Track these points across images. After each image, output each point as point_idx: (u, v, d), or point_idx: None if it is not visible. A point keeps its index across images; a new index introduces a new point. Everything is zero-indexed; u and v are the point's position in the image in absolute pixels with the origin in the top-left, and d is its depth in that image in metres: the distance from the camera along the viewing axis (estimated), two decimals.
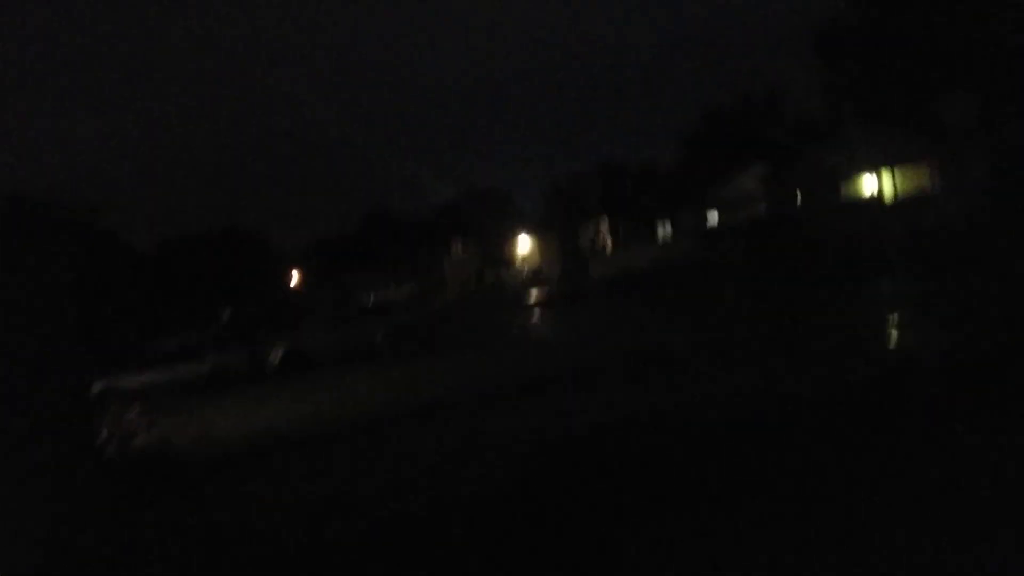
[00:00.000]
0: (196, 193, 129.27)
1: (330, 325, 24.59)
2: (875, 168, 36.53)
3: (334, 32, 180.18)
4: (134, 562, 7.77)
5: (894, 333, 12.36)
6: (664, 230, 57.44)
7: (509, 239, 66.94)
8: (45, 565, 7.36)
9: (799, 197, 41.17)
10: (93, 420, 10.60)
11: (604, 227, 62.99)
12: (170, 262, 68.72)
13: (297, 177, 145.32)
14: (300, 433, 12.79)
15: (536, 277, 54.29)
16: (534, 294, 38.24)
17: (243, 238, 76.57)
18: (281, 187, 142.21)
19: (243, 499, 9.37)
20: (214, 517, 8.83)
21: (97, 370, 22.56)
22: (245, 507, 8.99)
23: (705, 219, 52.62)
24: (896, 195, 35.20)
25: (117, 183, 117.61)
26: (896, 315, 13.57)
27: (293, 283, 76.00)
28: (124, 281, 59.03)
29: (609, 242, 60.99)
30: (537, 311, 30.38)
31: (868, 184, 37.05)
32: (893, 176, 36.38)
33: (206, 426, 15.48)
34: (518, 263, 61.08)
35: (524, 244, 65.87)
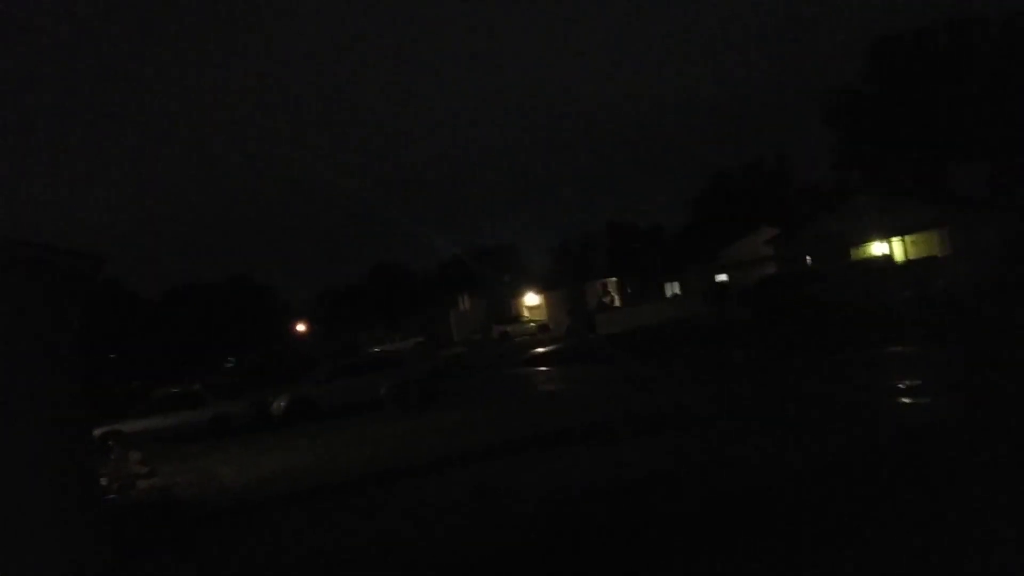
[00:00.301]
0: (203, 242, 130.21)
1: (335, 376, 24.41)
2: (885, 235, 36.60)
3: (347, 88, 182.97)
4: None
5: (897, 399, 12.17)
6: (672, 288, 57.43)
7: (516, 295, 67.00)
8: None
9: (808, 260, 41.18)
10: (95, 465, 10.48)
11: (611, 284, 63.04)
12: (175, 310, 68.85)
13: (306, 229, 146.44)
14: (301, 484, 12.58)
15: (542, 333, 54.17)
16: (540, 350, 38.07)
17: (250, 287, 76.83)
18: (289, 238, 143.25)
19: (240, 548, 9.18)
20: (210, 565, 8.64)
21: (100, 415, 22.45)
22: (241, 556, 8.81)
23: (713, 278, 52.69)
24: (906, 259, 35.20)
25: (124, 231, 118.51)
26: (899, 380, 13.34)
27: (299, 333, 75.93)
28: (128, 328, 59.12)
29: (616, 299, 60.96)
30: (542, 367, 30.20)
31: (877, 248, 37.08)
32: (903, 242, 36.46)
33: (206, 474, 15.28)
34: (524, 318, 60.98)
35: (531, 300, 65.87)
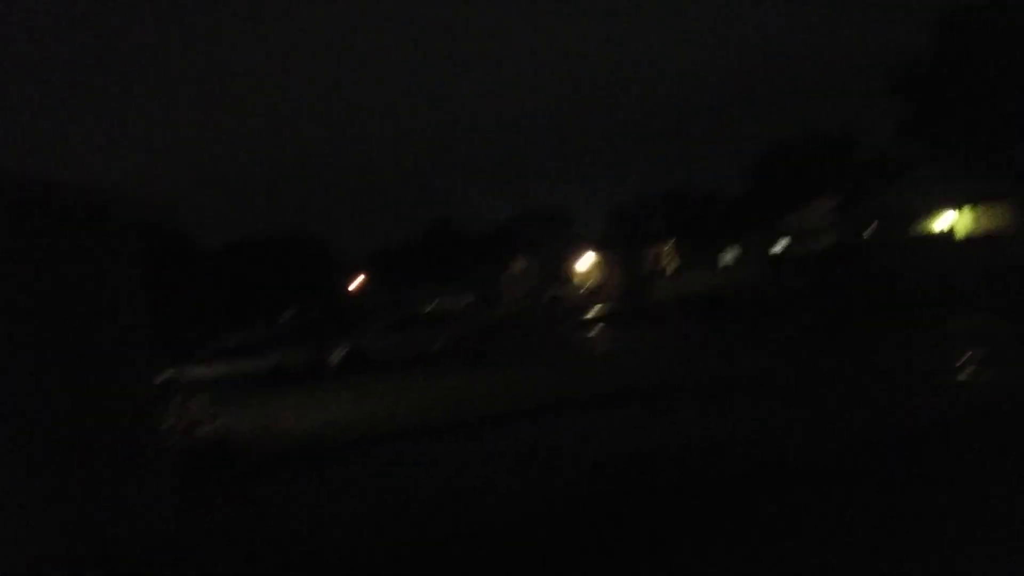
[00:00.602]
0: (265, 198, 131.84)
1: (390, 330, 24.81)
2: (949, 206, 35.75)
3: (409, 50, 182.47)
4: (194, 548, 7.92)
5: (954, 374, 12.01)
6: (728, 256, 56.85)
7: (570, 257, 66.85)
8: (110, 549, 7.51)
9: (869, 230, 40.43)
10: (159, 407, 10.83)
11: (668, 249, 62.57)
12: (236, 262, 69.92)
13: (364, 189, 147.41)
14: (357, 433, 12.89)
15: (595, 295, 54.08)
16: (593, 312, 38.09)
17: (308, 242, 77.62)
18: (348, 197, 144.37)
19: (298, 494, 9.49)
20: (269, 510, 8.95)
21: (164, 361, 23.06)
22: (300, 502, 9.11)
23: (771, 246, 51.97)
24: (969, 233, 34.38)
25: (189, 184, 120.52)
26: (958, 353, 13.14)
27: (354, 288, 76.77)
28: (191, 279, 60.26)
29: (672, 264, 60.55)
30: (595, 328, 30.27)
31: (941, 221, 36.26)
32: (967, 214, 35.58)
33: (266, 421, 15.69)
34: (578, 281, 60.89)
35: (585, 262, 65.69)
